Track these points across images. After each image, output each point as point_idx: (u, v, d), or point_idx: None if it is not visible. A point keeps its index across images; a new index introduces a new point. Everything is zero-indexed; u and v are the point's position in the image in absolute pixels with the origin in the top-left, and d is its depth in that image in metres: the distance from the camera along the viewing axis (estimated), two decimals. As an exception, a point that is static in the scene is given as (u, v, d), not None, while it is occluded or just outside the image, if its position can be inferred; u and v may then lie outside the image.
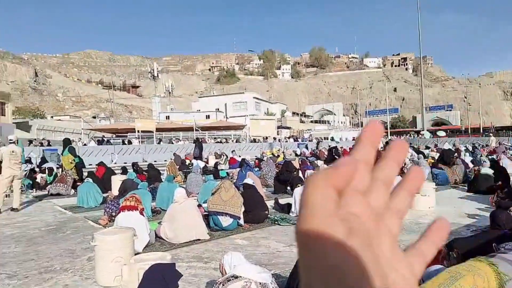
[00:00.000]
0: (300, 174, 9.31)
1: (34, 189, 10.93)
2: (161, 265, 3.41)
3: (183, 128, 37.92)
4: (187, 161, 16.24)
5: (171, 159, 15.74)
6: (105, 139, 30.31)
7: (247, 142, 33.31)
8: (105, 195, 8.94)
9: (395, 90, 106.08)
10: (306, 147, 27.32)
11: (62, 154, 11.82)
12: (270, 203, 7.32)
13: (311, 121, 77.27)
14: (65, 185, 10.09)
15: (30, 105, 74.24)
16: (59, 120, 56.30)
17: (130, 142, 27.28)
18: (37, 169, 12.58)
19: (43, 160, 14.15)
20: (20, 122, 48.59)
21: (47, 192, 10.29)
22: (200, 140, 20.50)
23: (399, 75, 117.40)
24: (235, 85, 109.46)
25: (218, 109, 54.88)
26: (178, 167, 13.22)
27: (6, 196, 7.97)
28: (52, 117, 62.15)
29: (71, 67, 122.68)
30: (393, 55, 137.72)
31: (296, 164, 10.51)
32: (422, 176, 0.33)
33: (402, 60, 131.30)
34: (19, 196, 8.11)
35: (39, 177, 11.48)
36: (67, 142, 12.03)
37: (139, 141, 27.93)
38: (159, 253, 4.33)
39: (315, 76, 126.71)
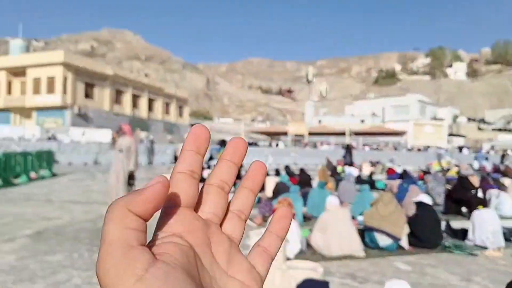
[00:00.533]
0: (480, 194, 7.74)
1: (201, 183, 12.32)
2: (315, 283, 3.16)
3: (335, 132, 37.53)
4: (339, 168, 15.79)
5: (322, 164, 15.58)
6: (253, 141, 32.45)
7: (407, 150, 30.55)
8: (259, 195, 9.33)
9: None
10: (487, 160, 22.78)
11: (218, 151, 13.36)
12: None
13: (493, 129, 64.40)
14: (226, 182, 11.02)
15: (202, 108, 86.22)
16: (224, 122, 63.45)
17: (277, 145, 28.56)
18: (205, 165, 14.21)
19: (211, 158, 15.94)
20: (194, 123, 56.73)
21: (211, 187, 11.45)
22: (349, 146, 19.75)
23: None
24: (394, 87, 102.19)
25: (374, 113, 52.24)
26: (329, 173, 12.94)
27: (180, 188, 9.12)
28: (218, 119, 70.53)
29: (236, 74, 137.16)
30: None
31: (474, 181, 8.81)
32: (263, 172, 0.32)
33: None
34: (190, 188, 9.17)
35: (206, 173, 12.90)
36: (223, 142, 13.60)
37: (285, 145, 28.89)
38: (311, 264, 4.10)
39: (498, 74, 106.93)
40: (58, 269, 4.26)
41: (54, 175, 14.08)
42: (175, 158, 9.51)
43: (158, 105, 48.73)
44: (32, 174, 12.74)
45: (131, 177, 7.45)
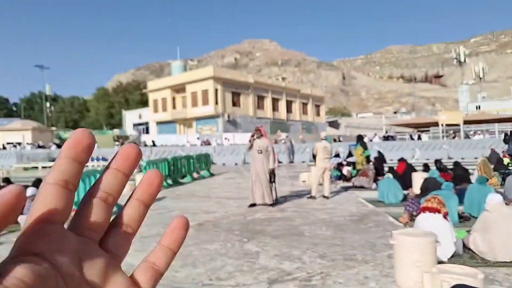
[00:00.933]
0: None
1: (341, 180, 12.20)
2: (471, 288, 2.79)
3: (499, 119, 31.97)
4: (506, 160, 13.38)
5: (483, 156, 13.50)
6: (391, 135, 30.18)
7: None
8: (405, 192, 8.70)
9: None
10: None
11: (355, 147, 13.00)
12: None
13: None
14: (367, 179, 10.63)
15: (339, 105, 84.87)
16: (363, 117, 61.02)
17: (419, 138, 25.91)
18: (344, 162, 14.00)
19: (350, 154, 15.61)
20: (331, 121, 56.32)
21: (351, 184, 11.21)
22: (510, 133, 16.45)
23: None
24: None
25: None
26: (492, 166, 11.11)
27: (319, 185, 9.24)
28: (356, 115, 68.26)
29: (373, 66, 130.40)
30: None
31: None
32: (158, 181, 0.29)
33: None
34: (329, 185, 9.21)
35: (345, 170, 12.71)
36: (359, 137, 13.19)
37: (430, 137, 26.01)
38: (468, 269, 3.64)
39: None
40: (215, 256, 4.86)
41: (212, 175, 16.01)
42: (314, 157, 9.68)
43: (296, 106, 50.16)
44: (195, 174, 14.79)
45: (272, 175, 7.94)
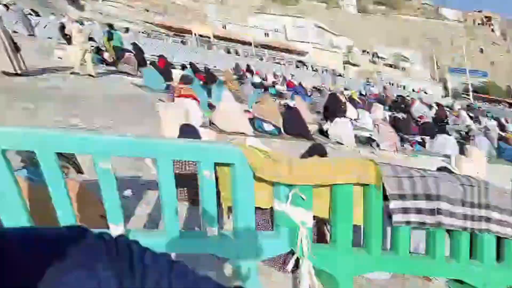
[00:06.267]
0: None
1: (104, 64, 11.90)
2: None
3: (241, 41, 37.53)
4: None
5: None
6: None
7: (307, 69, 32.97)
8: (168, 83, 9.78)
9: (481, 51, 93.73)
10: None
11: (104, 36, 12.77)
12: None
13: (384, 64, 68.30)
14: (132, 66, 11.14)
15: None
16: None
17: (184, 43, 27.87)
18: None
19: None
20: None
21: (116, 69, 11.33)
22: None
23: (484, 35, 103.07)
24: (293, 7, 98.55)
25: (276, 30, 53.01)
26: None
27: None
28: None
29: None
30: (475, 11, 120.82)
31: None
32: None
33: (486, 18, 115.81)
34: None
35: (106, 55, 12.37)
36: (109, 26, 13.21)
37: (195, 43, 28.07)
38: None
39: (385, 16, 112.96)
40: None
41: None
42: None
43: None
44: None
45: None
